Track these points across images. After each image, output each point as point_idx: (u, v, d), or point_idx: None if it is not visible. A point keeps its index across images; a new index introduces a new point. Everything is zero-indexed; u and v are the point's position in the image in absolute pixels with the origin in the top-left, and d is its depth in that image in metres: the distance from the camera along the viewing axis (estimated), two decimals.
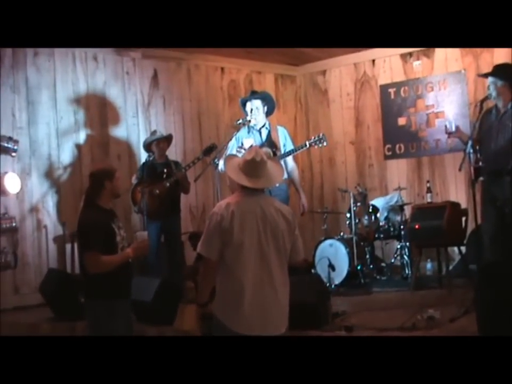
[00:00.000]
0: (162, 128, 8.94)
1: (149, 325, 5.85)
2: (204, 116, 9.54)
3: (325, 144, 6.84)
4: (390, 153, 9.53)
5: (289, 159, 7.12)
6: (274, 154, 6.88)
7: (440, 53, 8.99)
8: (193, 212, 9.16)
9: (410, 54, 9.27)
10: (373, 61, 9.69)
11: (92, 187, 5.03)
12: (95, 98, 8.52)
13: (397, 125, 9.45)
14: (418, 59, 9.22)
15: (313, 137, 6.92)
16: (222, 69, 9.78)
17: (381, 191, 9.47)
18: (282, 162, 6.66)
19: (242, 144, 7.06)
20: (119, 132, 8.70)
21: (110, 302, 4.81)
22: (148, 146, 7.83)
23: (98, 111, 8.54)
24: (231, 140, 7.07)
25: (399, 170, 9.47)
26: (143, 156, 8.23)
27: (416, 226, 7.24)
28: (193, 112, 9.43)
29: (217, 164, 6.56)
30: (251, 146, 6.53)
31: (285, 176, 7.04)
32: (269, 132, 7.15)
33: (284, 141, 7.16)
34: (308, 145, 6.91)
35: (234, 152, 6.92)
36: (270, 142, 7.05)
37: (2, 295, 7.63)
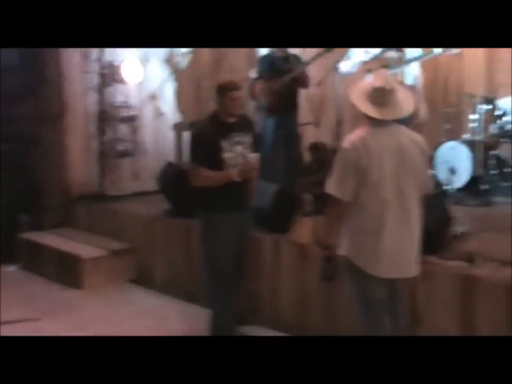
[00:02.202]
0: None
1: (265, 231, 5.81)
2: None
3: (455, 50, 6.40)
4: None
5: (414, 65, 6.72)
6: (400, 58, 6.53)
7: None
8: (312, 100, 8.91)
9: None
10: None
11: (217, 99, 4.98)
12: None
13: None
14: None
15: None
16: None
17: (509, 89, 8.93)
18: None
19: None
20: None
21: (210, 215, 4.91)
22: None
23: None
24: None
25: None
26: None
27: None
28: None
29: (338, 67, 6.22)
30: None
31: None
32: None
33: None
34: (438, 52, 6.48)
35: (359, 55, 6.59)
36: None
37: (122, 181, 7.83)
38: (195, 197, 4.99)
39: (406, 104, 3.94)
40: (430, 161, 7.76)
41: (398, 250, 3.76)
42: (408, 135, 3.90)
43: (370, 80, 3.96)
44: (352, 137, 3.84)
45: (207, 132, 4.95)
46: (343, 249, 3.86)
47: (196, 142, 5.00)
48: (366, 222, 3.75)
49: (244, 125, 5.10)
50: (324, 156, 6.65)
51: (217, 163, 4.87)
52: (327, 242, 3.91)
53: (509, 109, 7.83)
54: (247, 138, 5.05)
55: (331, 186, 3.77)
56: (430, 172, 4.00)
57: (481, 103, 7.71)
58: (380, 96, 3.82)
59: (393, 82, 3.91)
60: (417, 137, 3.96)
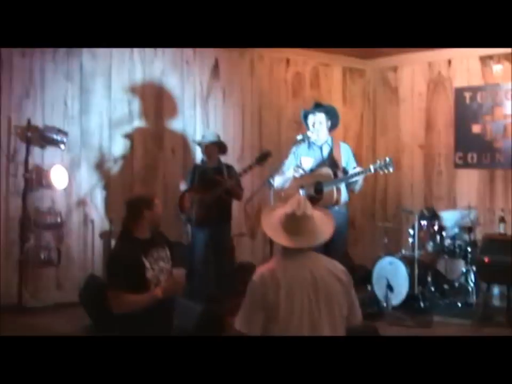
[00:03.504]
0: (220, 122, 8.54)
1: None
2: (265, 110, 9.04)
3: (391, 170, 6.26)
4: (461, 161, 8.89)
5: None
6: (335, 175, 6.37)
7: None
8: (247, 211, 8.70)
9: (491, 57, 8.57)
10: (449, 61, 9.01)
11: (128, 216, 4.72)
12: (151, 88, 8.08)
13: (470, 132, 8.78)
14: (499, 63, 8.51)
15: (378, 162, 6.31)
16: (287, 60, 9.25)
17: (449, 202, 8.90)
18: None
19: (300, 163, 6.56)
20: (175, 124, 8.26)
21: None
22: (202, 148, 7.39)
23: (154, 101, 8.11)
24: (288, 157, 6.59)
25: (469, 181, 8.84)
26: (198, 151, 7.80)
27: (486, 260, 6.66)
28: (254, 106, 8.94)
29: (272, 183, 6.02)
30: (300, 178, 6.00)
31: (345, 198, 6.54)
32: (331, 149, 6.63)
33: (347, 159, 6.62)
34: (372, 170, 6.34)
35: (291, 171, 6.44)
36: (332, 161, 6.53)
37: (44, 292, 7.39)
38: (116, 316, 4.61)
39: (323, 229, 3.62)
40: (369, 281, 7.63)
41: None
42: (326, 265, 3.57)
43: (283, 205, 3.64)
44: (262, 269, 3.53)
45: (126, 251, 4.64)
46: None
47: (115, 263, 4.68)
48: None
49: (160, 239, 4.86)
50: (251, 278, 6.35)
51: (140, 283, 4.54)
52: None
53: (447, 224, 7.76)
54: (166, 253, 4.80)
55: (238, 322, 3.45)
56: (356, 302, 3.62)
57: (420, 217, 7.61)
58: (292, 223, 3.52)
59: (308, 207, 3.57)
60: (337, 265, 3.62)
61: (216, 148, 7.33)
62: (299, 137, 6.51)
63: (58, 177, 7.27)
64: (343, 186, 6.47)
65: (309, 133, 6.54)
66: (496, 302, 7.60)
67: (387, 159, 6.25)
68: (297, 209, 3.51)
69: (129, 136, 7.90)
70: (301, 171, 6.43)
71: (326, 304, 3.45)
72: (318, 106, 6.79)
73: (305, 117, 6.73)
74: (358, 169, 6.51)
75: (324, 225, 3.65)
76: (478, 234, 7.84)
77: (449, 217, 7.88)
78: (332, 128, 6.74)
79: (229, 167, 7.35)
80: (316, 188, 6.39)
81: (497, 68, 8.50)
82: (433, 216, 7.70)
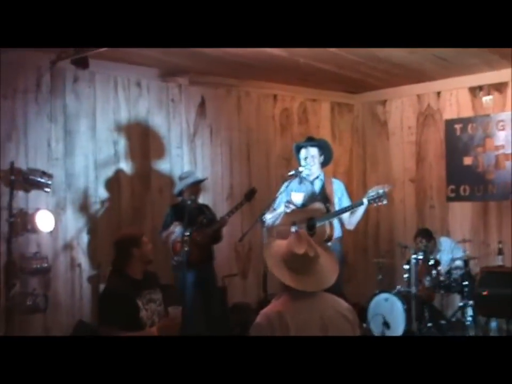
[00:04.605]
0: (208, 160, 8.41)
1: None
2: (253, 147, 8.92)
3: (384, 202, 6.09)
4: (453, 194, 8.78)
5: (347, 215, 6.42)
6: (328, 210, 6.23)
7: None
8: (238, 250, 8.55)
9: (481, 88, 8.51)
10: (438, 93, 8.95)
11: (118, 256, 4.60)
12: (137, 128, 7.93)
13: (462, 164, 8.68)
14: (489, 94, 8.44)
15: (372, 193, 6.17)
16: (275, 96, 9.16)
17: (442, 235, 8.75)
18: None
19: (290, 198, 6.43)
20: (161, 164, 8.11)
21: None
22: (181, 191, 7.23)
23: (140, 141, 7.96)
24: (279, 193, 6.45)
25: (463, 214, 8.72)
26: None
27: (484, 293, 6.52)
28: (242, 143, 8.83)
29: (264, 220, 5.88)
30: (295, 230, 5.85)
31: (339, 234, 6.40)
32: (323, 184, 6.51)
33: (340, 195, 6.49)
34: (366, 203, 6.18)
35: (282, 207, 6.30)
36: (324, 196, 6.40)
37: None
38: None
39: (328, 272, 3.46)
40: (365, 319, 7.48)
41: None
42: (332, 304, 3.42)
43: (288, 242, 3.46)
44: (267, 310, 3.35)
45: (120, 291, 4.50)
46: None
47: (107, 299, 4.55)
48: None
49: (152, 280, 4.78)
50: (247, 318, 6.20)
51: (134, 322, 4.43)
52: None
53: (441, 259, 7.66)
54: (158, 295, 4.72)
55: None
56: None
57: (414, 252, 7.49)
58: (299, 263, 3.35)
59: (315, 246, 3.42)
60: (342, 304, 3.48)
61: (199, 187, 7.22)
62: (290, 172, 6.40)
63: (43, 221, 7.08)
64: (336, 222, 6.33)
65: (300, 168, 6.43)
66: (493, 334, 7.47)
67: (380, 190, 6.09)
68: (309, 251, 3.35)
69: (115, 178, 7.74)
70: (291, 206, 6.29)
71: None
72: (311, 140, 6.69)
73: (298, 151, 6.62)
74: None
75: (330, 266, 3.51)
76: (474, 268, 7.71)
77: (444, 244, 7.80)
78: (324, 163, 6.64)
79: (207, 207, 7.28)
80: (308, 223, 6.25)
81: (487, 99, 8.42)
82: (427, 250, 7.57)
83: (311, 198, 6.42)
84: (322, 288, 3.43)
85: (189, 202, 6.89)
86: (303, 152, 6.55)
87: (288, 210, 6.31)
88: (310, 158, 6.48)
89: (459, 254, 7.63)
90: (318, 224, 6.21)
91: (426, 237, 7.92)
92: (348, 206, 6.27)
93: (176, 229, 7.00)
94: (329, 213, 6.24)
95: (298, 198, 6.44)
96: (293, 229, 6.01)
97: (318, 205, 6.29)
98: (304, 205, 6.42)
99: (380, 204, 6.11)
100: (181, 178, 7.38)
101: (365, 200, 6.14)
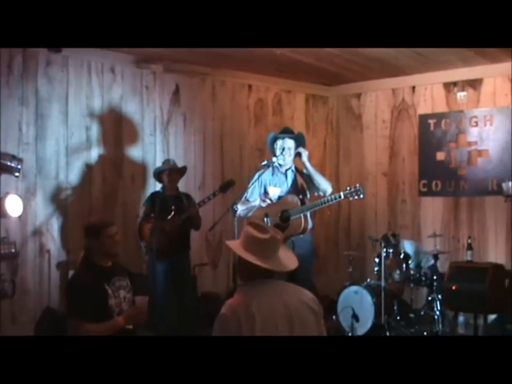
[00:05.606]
0: (181, 148, 8.34)
1: None
2: (227, 136, 8.87)
3: (361, 196, 6.10)
4: (425, 189, 8.81)
5: None
6: (302, 202, 6.22)
7: (488, 86, 8.26)
8: (209, 240, 8.51)
9: (455, 84, 8.53)
10: (413, 87, 8.97)
11: (89, 241, 4.56)
12: (110, 114, 7.84)
13: (435, 160, 8.71)
14: (463, 90, 8.47)
15: (348, 188, 6.17)
16: (250, 86, 9.11)
17: (413, 230, 8.81)
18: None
19: (266, 192, 6.41)
20: (134, 151, 8.03)
21: None
22: (158, 175, 7.18)
23: (112, 127, 7.87)
24: (251, 183, 6.43)
25: (434, 209, 8.76)
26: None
27: (453, 288, 6.56)
28: (215, 132, 8.77)
29: (236, 210, 5.86)
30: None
31: (310, 225, 6.38)
32: (295, 175, 6.49)
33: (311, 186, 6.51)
34: (342, 197, 6.17)
35: (257, 198, 6.28)
36: (296, 187, 6.39)
37: None
38: None
39: (289, 259, 3.53)
40: (334, 311, 7.50)
41: None
42: (297, 294, 3.45)
43: (251, 231, 3.46)
44: (232, 301, 3.35)
45: (88, 277, 4.46)
46: None
47: (76, 290, 4.50)
48: None
49: (121, 268, 4.77)
50: (215, 308, 6.16)
51: (102, 311, 4.41)
52: None
53: (411, 252, 7.69)
54: (127, 282, 4.69)
55: None
56: (324, 331, 3.49)
57: (384, 246, 7.50)
58: (263, 245, 3.36)
59: (278, 235, 3.45)
60: (307, 294, 3.51)
61: (179, 174, 7.17)
62: (263, 162, 6.38)
63: (12, 205, 6.97)
64: (308, 214, 6.32)
65: (274, 159, 6.41)
66: (461, 330, 7.53)
67: (357, 185, 6.11)
68: (271, 236, 3.38)
69: (87, 164, 7.65)
70: (268, 201, 6.29)
71: (300, 335, 3.32)
72: (288, 132, 6.68)
73: (273, 141, 6.60)
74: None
75: (290, 256, 3.58)
76: (443, 262, 7.75)
77: (410, 247, 7.83)
78: (297, 156, 6.62)
79: (188, 196, 7.21)
80: (282, 216, 6.24)
81: (461, 95, 8.44)
82: (398, 243, 7.60)
83: (286, 190, 6.41)
84: (285, 269, 3.46)
85: (160, 190, 6.85)
86: (279, 143, 6.53)
87: (263, 204, 6.30)
88: (287, 150, 6.47)
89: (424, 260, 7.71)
90: (293, 217, 6.19)
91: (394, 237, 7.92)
92: (324, 200, 6.26)
93: (140, 213, 7.01)
94: (304, 206, 6.23)
95: (274, 191, 6.43)
96: (267, 221, 6.01)
97: (292, 198, 6.28)
98: (279, 197, 6.42)
99: (357, 198, 6.12)
100: (162, 163, 7.37)
101: (342, 194, 6.15)
